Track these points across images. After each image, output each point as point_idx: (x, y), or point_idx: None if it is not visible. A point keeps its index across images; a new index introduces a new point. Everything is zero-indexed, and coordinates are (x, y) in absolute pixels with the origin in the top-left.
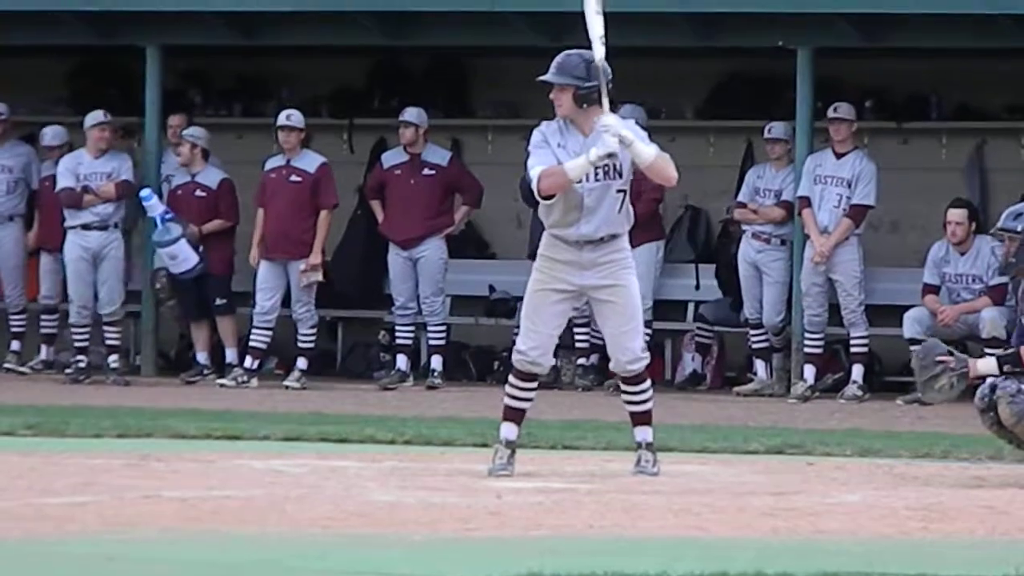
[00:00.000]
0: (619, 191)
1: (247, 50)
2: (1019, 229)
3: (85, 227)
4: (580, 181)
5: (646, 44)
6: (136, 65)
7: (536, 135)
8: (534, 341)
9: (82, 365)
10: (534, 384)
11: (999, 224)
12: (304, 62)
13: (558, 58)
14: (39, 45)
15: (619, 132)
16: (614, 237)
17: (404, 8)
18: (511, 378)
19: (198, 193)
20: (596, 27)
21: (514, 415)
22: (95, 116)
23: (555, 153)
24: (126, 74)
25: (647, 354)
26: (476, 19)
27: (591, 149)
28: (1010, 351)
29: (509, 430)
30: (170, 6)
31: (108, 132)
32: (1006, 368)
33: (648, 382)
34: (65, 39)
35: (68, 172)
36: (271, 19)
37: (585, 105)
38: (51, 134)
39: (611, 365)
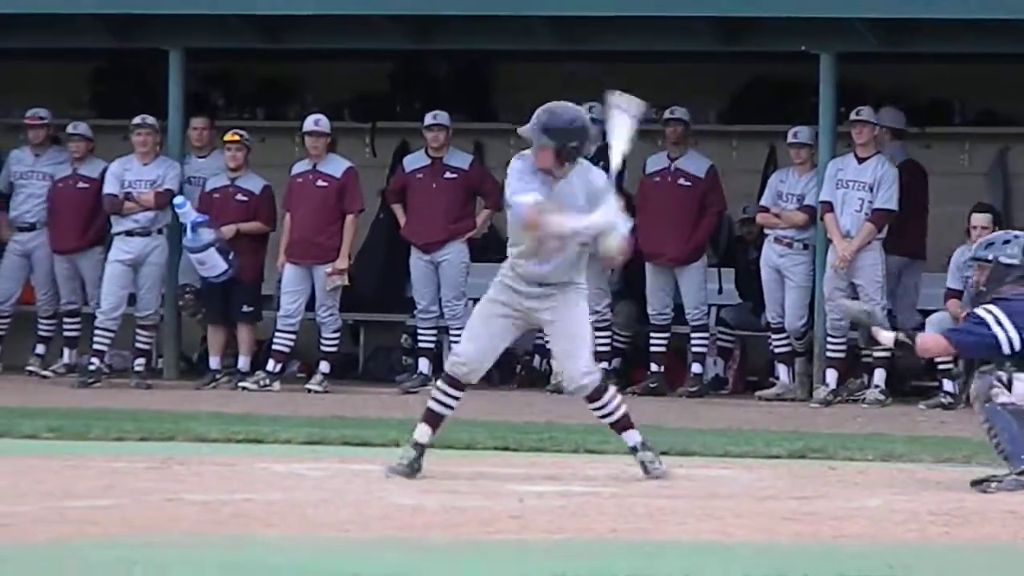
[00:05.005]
0: (582, 244)
1: (270, 53)
2: (990, 258)
3: (128, 233)
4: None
5: (670, 48)
6: (159, 68)
7: (518, 163)
8: (471, 346)
9: (92, 368)
10: (461, 393)
11: (971, 253)
12: (327, 66)
13: (542, 115)
14: (61, 49)
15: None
16: (569, 282)
17: (426, 12)
18: (439, 382)
19: (239, 197)
20: (622, 139)
21: (433, 419)
22: (138, 119)
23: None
24: (149, 77)
25: (594, 371)
26: (498, 23)
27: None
28: (911, 332)
29: (423, 433)
30: (192, 9)
31: (147, 136)
32: (900, 339)
33: (609, 392)
34: (87, 42)
35: (114, 178)
36: (294, 22)
37: (567, 164)
38: (83, 127)
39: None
